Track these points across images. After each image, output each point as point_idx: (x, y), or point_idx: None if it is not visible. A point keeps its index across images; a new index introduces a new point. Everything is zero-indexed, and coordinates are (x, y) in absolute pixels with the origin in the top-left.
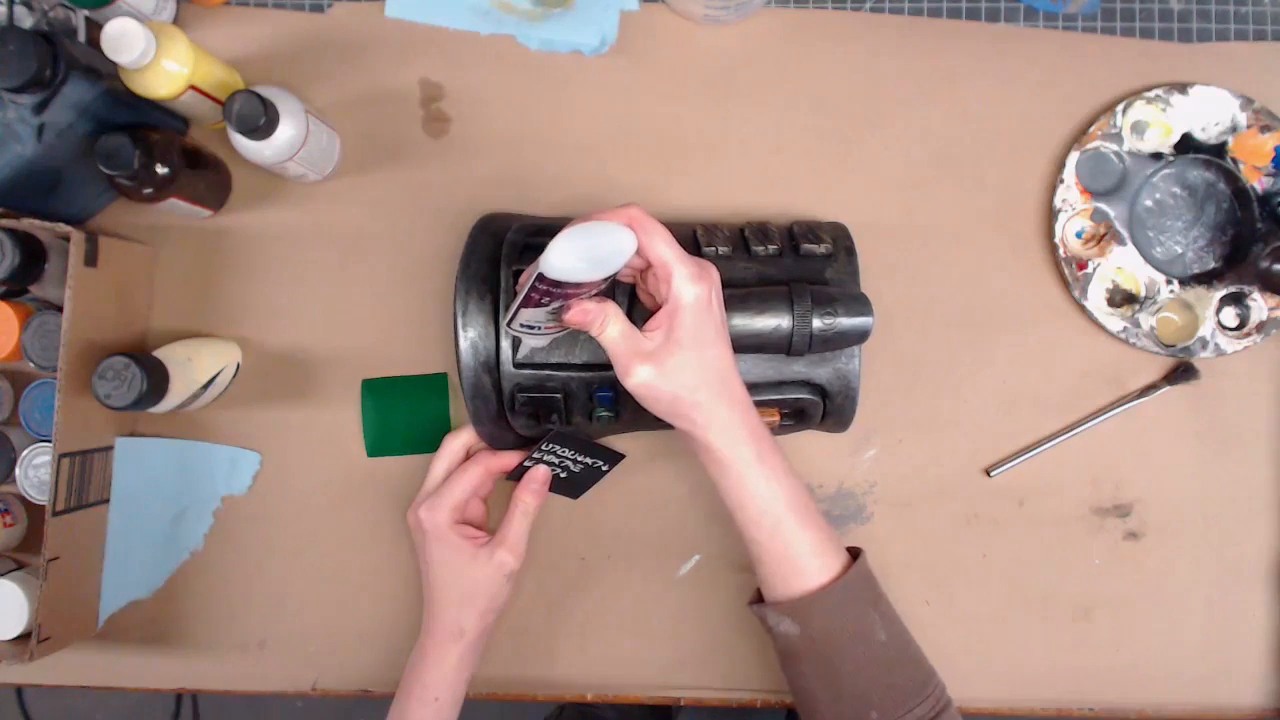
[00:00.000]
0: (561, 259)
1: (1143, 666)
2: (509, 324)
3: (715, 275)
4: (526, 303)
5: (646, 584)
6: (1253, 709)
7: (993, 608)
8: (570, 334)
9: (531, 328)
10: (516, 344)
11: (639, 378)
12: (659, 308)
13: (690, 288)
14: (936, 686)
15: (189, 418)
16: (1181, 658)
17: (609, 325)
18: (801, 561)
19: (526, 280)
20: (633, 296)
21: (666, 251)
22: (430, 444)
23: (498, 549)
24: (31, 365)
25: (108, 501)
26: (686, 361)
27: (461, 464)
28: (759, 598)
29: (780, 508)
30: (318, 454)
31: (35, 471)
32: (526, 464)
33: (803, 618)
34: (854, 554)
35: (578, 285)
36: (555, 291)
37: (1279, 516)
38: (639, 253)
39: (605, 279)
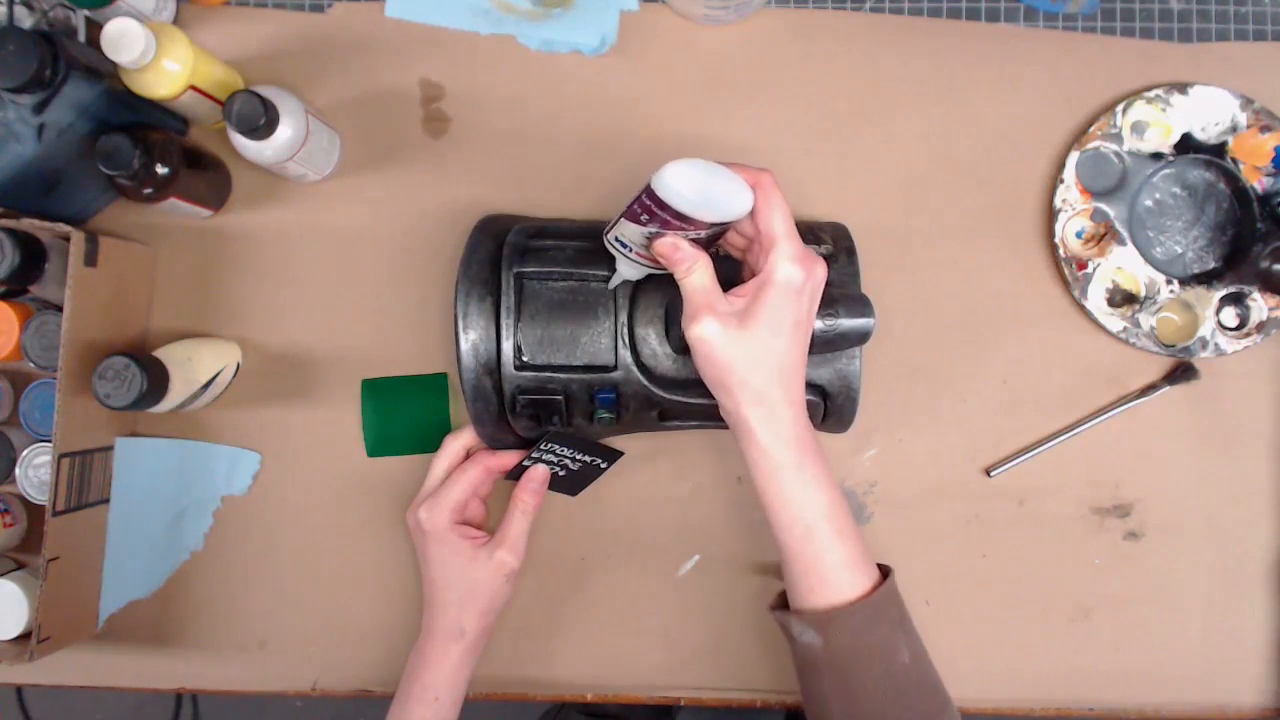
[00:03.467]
0: (675, 180)
1: (1142, 666)
2: (606, 233)
3: (821, 271)
4: (629, 214)
5: (646, 584)
6: (1253, 709)
7: (993, 608)
8: (571, 335)
9: (625, 246)
10: (607, 262)
11: (703, 329)
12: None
13: (787, 267)
14: (951, 717)
15: (189, 418)
16: (1181, 658)
17: (695, 272)
18: (831, 574)
19: (640, 191)
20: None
21: (779, 224)
22: (430, 444)
23: (497, 549)
24: (31, 365)
25: (108, 501)
26: (754, 339)
27: (461, 464)
28: (781, 603)
29: (814, 516)
30: (318, 454)
31: (35, 471)
32: (525, 463)
33: (827, 631)
34: (884, 571)
35: (683, 218)
36: (657, 213)
37: (1279, 516)
38: (753, 217)
39: (710, 225)
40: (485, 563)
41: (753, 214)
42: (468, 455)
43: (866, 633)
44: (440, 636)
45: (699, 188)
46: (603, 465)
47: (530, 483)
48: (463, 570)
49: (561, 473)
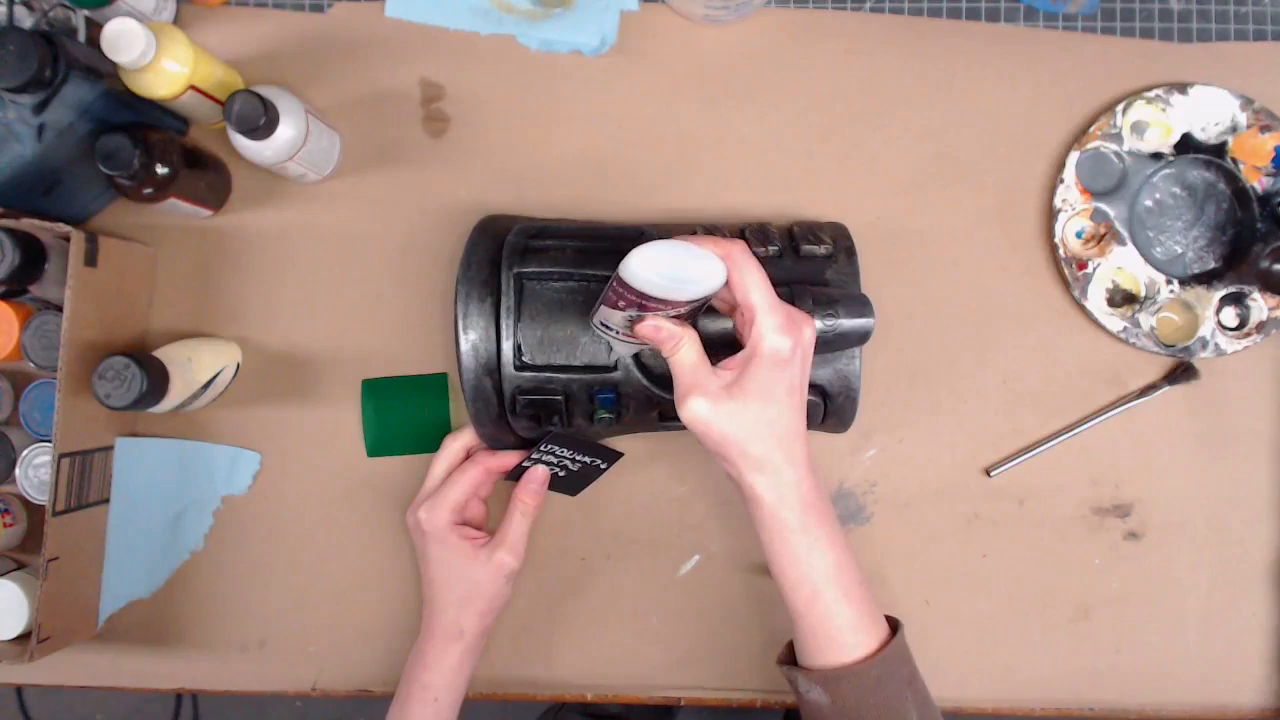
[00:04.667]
0: (641, 267)
1: (1143, 666)
2: (590, 318)
3: (809, 334)
4: (607, 301)
5: (646, 584)
6: (1253, 709)
7: (993, 608)
8: (571, 336)
9: (610, 329)
10: (605, 347)
11: (694, 411)
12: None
13: (772, 338)
14: None
15: (189, 418)
16: (1181, 658)
17: (681, 349)
18: (838, 635)
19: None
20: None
21: (756, 295)
22: (430, 444)
23: (497, 549)
24: (31, 365)
25: (108, 501)
26: (747, 411)
27: (461, 464)
28: (789, 656)
29: (820, 579)
30: (318, 454)
31: (35, 471)
32: (525, 464)
33: (835, 690)
34: (892, 625)
35: (658, 300)
36: (631, 298)
37: (1279, 516)
38: (729, 289)
39: (687, 302)
40: (485, 563)
41: (728, 285)
42: (468, 456)
43: (874, 692)
44: (440, 637)
45: (666, 270)
46: (603, 466)
47: (530, 483)
48: (462, 571)
49: (561, 473)
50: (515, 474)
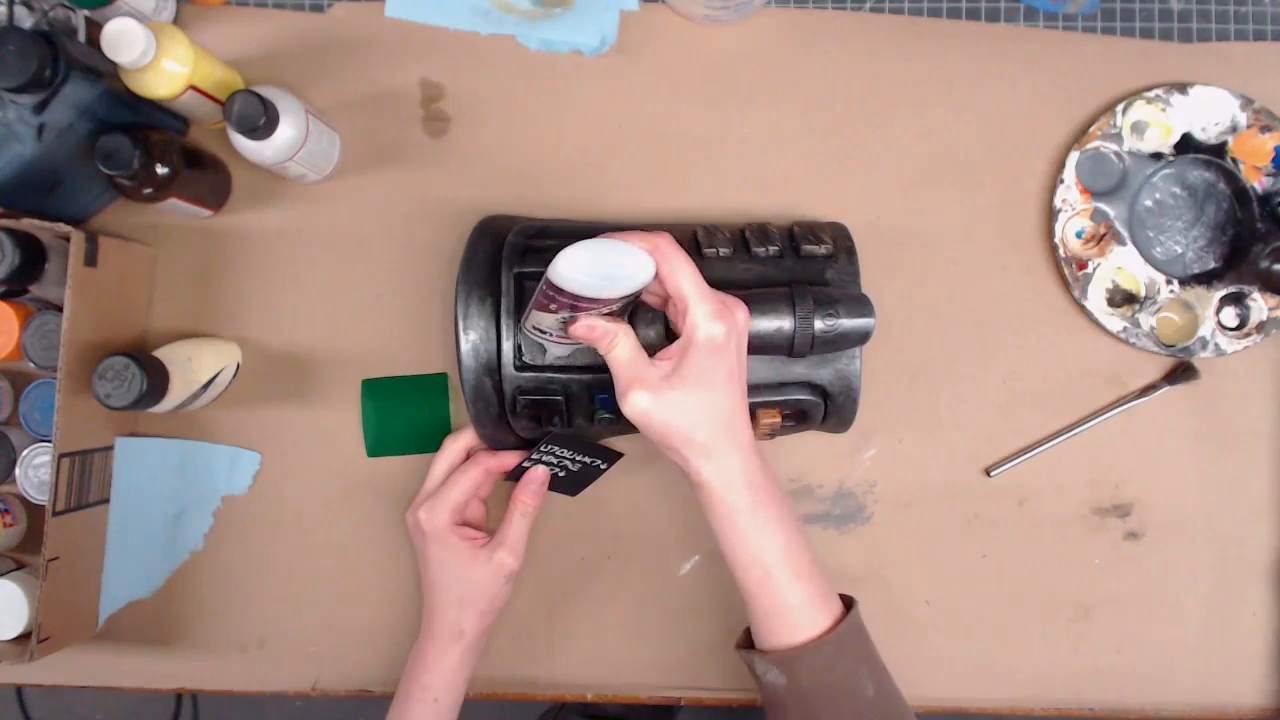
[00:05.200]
0: (569, 268)
1: (1143, 666)
2: (522, 324)
3: (741, 318)
4: (538, 305)
5: (646, 584)
6: (1253, 709)
7: (993, 608)
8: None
9: (544, 332)
10: (539, 350)
11: (635, 404)
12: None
13: (706, 326)
14: None
15: (189, 418)
16: (1181, 658)
17: (617, 346)
18: (792, 614)
19: (543, 282)
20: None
21: (687, 285)
22: (430, 444)
23: (497, 550)
24: (31, 365)
25: (108, 501)
26: (688, 399)
27: (461, 465)
28: (746, 641)
29: (771, 560)
30: (318, 454)
31: (35, 471)
32: (525, 464)
33: (790, 669)
34: (846, 602)
35: (589, 300)
36: (562, 300)
37: (1279, 516)
38: (660, 282)
39: (619, 299)
40: (485, 564)
41: (658, 278)
42: (468, 456)
43: (830, 669)
44: (440, 637)
45: (595, 270)
46: (603, 466)
47: (530, 484)
48: (462, 571)
49: (561, 473)
50: (515, 474)
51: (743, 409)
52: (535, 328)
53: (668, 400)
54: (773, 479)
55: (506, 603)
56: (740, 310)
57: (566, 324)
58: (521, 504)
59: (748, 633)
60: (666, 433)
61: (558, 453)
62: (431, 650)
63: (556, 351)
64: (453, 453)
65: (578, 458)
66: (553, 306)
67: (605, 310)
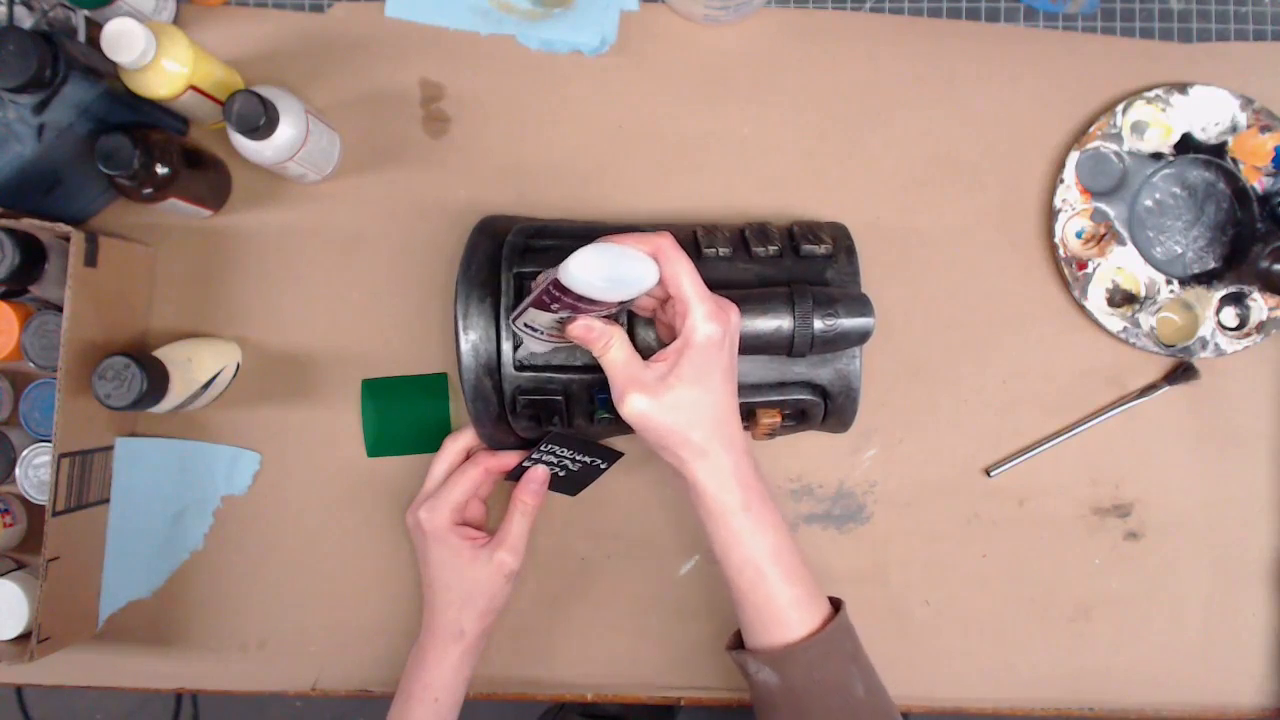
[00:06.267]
0: (582, 270)
1: (1143, 666)
2: (513, 319)
3: (735, 317)
4: (537, 303)
5: (646, 584)
6: (1253, 709)
7: (993, 608)
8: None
9: (534, 330)
10: (517, 342)
11: (633, 406)
12: (674, 340)
13: (705, 326)
14: None
15: (189, 418)
16: (1181, 658)
17: (612, 348)
18: (782, 614)
19: (543, 281)
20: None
21: (688, 286)
22: (430, 444)
23: (497, 549)
24: (31, 365)
25: (108, 501)
26: (684, 399)
27: (461, 465)
28: (737, 642)
29: (763, 559)
30: (318, 454)
31: (35, 471)
32: (525, 464)
33: (782, 668)
34: (835, 604)
35: (592, 301)
36: (566, 301)
37: (1279, 516)
38: (660, 283)
39: (619, 303)
40: (485, 563)
41: (661, 280)
42: (468, 456)
43: (820, 668)
44: (440, 637)
45: (605, 273)
46: (603, 465)
47: (530, 483)
48: (462, 571)
49: (561, 473)
50: (515, 474)
51: (734, 408)
52: (527, 324)
53: (666, 402)
54: (761, 478)
55: (507, 602)
56: (734, 311)
57: (563, 323)
58: (522, 503)
59: (738, 634)
60: (664, 434)
61: (558, 452)
62: (432, 650)
63: (538, 349)
64: (453, 453)
65: (578, 457)
66: (555, 306)
67: (603, 313)
